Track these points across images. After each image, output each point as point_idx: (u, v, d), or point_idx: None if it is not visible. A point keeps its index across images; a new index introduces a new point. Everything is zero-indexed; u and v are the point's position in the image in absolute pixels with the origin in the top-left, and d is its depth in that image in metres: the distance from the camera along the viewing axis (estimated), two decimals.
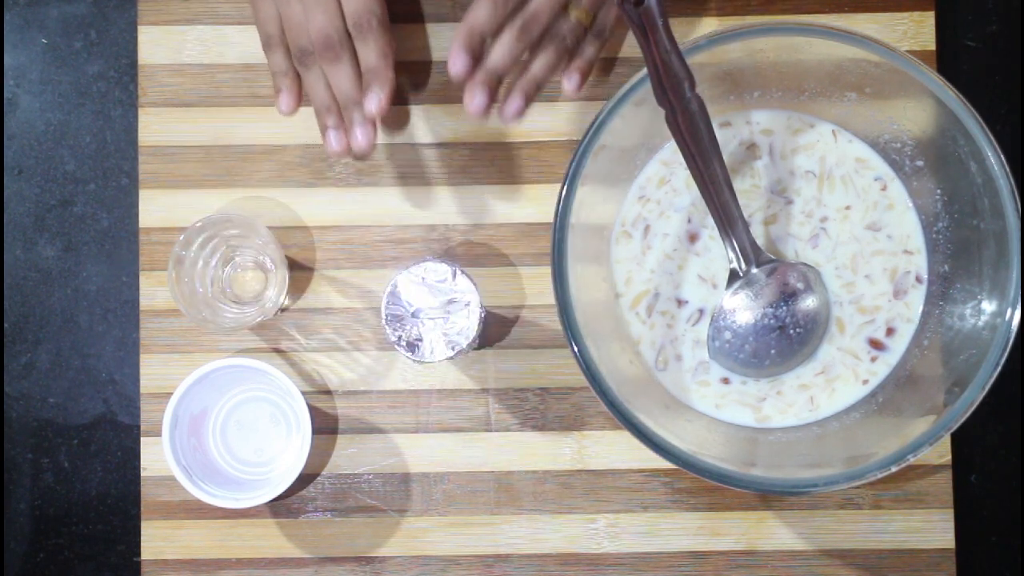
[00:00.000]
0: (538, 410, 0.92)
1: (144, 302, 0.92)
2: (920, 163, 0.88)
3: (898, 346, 0.89)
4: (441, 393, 0.92)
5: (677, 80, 0.79)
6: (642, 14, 0.77)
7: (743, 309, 0.87)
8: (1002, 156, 0.80)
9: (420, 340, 0.84)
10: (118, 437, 0.93)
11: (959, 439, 0.92)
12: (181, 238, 0.86)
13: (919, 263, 0.89)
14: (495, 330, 0.92)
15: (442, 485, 0.91)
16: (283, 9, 0.84)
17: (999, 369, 0.80)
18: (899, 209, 0.89)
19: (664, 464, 0.83)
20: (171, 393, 0.86)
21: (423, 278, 0.84)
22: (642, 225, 0.90)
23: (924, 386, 0.86)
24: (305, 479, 0.91)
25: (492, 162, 0.93)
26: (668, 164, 0.90)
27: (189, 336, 0.92)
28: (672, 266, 0.90)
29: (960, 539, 0.91)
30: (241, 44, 0.93)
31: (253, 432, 0.91)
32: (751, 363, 0.88)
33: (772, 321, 0.87)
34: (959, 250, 0.86)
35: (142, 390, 0.92)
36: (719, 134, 0.85)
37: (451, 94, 0.93)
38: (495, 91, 0.81)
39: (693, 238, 0.90)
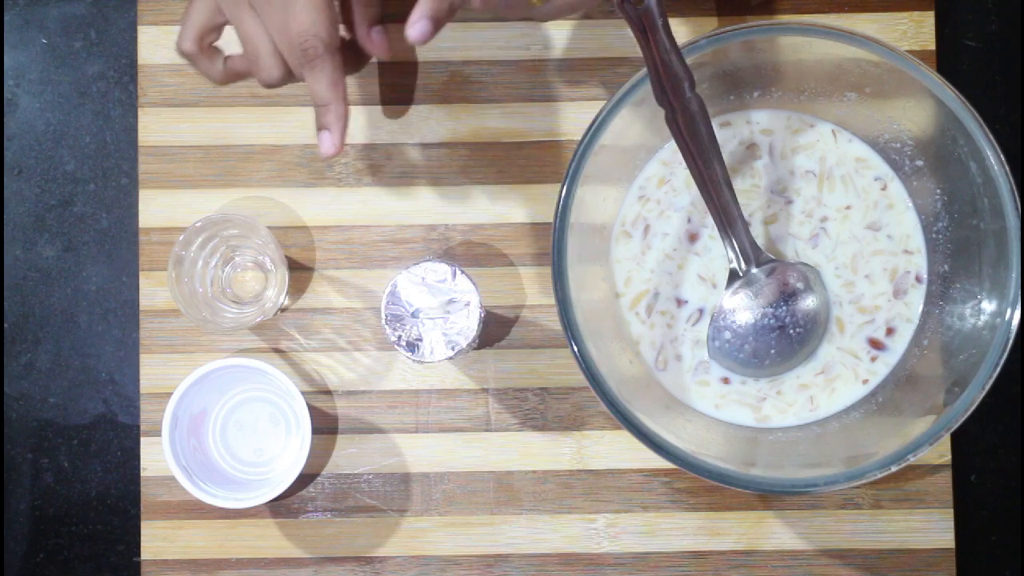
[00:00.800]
0: (538, 410, 0.92)
1: (144, 302, 0.92)
2: (920, 163, 0.88)
3: (898, 346, 0.89)
4: (441, 393, 0.92)
5: (677, 80, 0.79)
6: (642, 14, 0.77)
7: (743, 309, 0.87)
8: (1002, 156, 0.80)
9: (420, 340, 0.84)
10: (118, 437, 0.93)
11: (959, 439, 0.92)
12: (181, 238, 0.86)
13: (919, 263, 0.89)
14: (495, 330, 0.92)
15: (442, 485, 0.91)
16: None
17: (999, 369, 0.80)
18: (899, 209, 0.89)
19: (664, 464, 0.83)
20: (171, 393, 0.86)
21: (423, 278, 0.84)
22: (642, 225, 0.90)
23: (924, 386, 0.86)
24: (305, 479, 0.91)
25: (492, 162, 0.92)
26: (668, 164, 0.90)
27: (189, 336, 0.92)
28: (672, 266, 0.90)
29: (960, 539, 0.91)
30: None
31: (253, 432, 0.91)
32: (751, 363, 0.88)
33: (772, 321, 0.87)
34: (959, 250, 0.86)
35: (142, 390, 0.92)
36: (719, 134, 0.84)
37: (451, 94, 0.93)
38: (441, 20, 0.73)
39: (693, 238, 0.90)
